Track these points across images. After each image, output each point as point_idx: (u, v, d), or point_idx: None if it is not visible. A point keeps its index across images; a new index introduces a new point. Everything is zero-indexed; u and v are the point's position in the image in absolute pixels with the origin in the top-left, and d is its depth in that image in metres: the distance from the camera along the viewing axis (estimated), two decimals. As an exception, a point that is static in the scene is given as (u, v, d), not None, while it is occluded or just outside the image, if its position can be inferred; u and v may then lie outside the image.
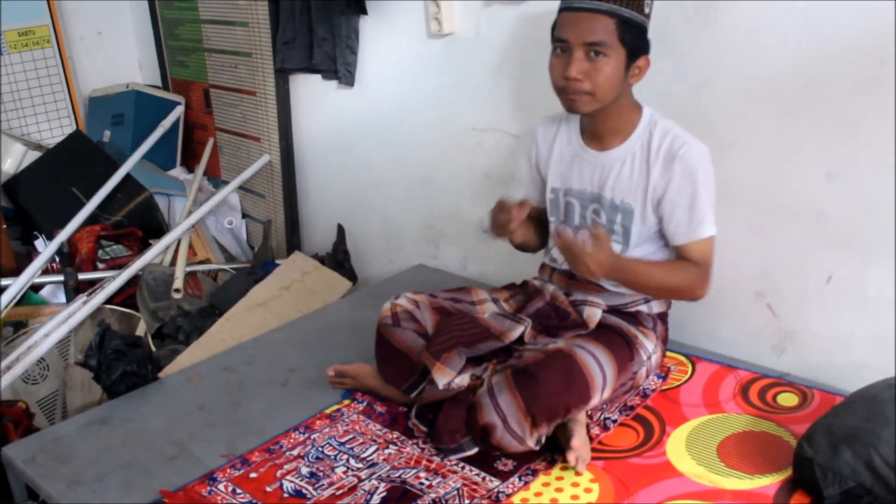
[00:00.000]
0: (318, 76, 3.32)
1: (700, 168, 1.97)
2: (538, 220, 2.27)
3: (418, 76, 3.00)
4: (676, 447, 1.97)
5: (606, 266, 1.89)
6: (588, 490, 1.85)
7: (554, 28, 1.97)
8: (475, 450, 1.95)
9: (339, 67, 3.17)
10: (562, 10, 1.95)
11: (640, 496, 1.81)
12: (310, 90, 3.44)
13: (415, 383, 2.08)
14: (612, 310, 2.13)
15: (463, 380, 2.01)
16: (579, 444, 1.90)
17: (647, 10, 1.93)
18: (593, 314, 2.10)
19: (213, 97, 3.93)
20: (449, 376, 1.98)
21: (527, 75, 2.61)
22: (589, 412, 2.02)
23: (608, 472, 1.90)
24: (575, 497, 1.83)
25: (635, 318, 2.13)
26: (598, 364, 1.94)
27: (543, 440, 1.92)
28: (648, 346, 2.10)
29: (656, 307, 2.16)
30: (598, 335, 2.03)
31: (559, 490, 1.85)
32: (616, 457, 1.95)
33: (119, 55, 4.26)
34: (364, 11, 3.01)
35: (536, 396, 1.86)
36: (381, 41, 3.08)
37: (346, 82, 3.20)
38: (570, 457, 1.88)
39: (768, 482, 1.82)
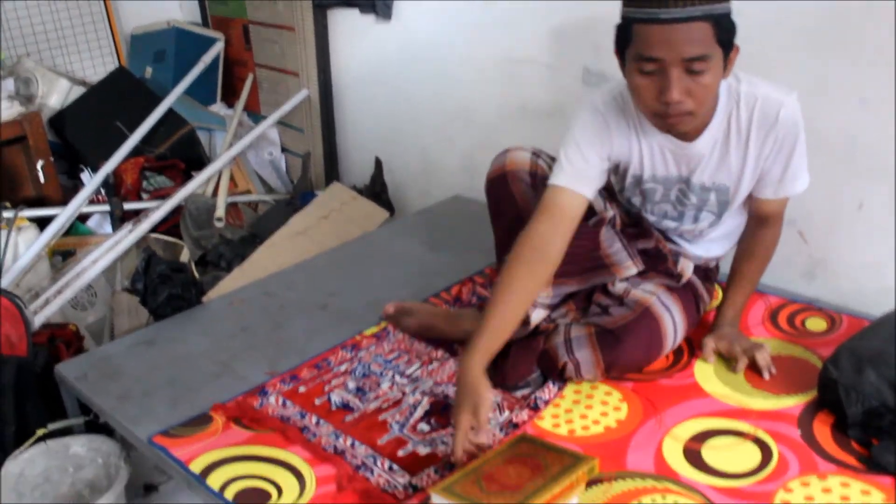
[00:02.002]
0: (356, 10, 3.34)
1: (797, 123, 1.81)
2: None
3: (453, 8, 3.01)
4: (704, 369, 2.01)
5: (725, 338, 2.02)
6: (617, 409, 1.90)
7: (626, 39, 1.66)
8: (541, 385, 1.99)
9: (377, 1, 3.19)
10: (641, 20, 1.60)
11: (667, 414, 1.87)
12: (347, 25, 3.46)
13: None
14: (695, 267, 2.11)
15: (539, 315, 2.00)
16: None
17: None
18: (687, 267, 2.07)
19: (252, 33, 3.96)
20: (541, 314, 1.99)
21: (562, 5, 2.62)
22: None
23: (637, 393, 1.95)
24: (604, 414, 1.88)
25: (706, 275, 2.14)
26: (673, 325, 1.97)
27: None
28: (707, 299, 2.14)
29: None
30: (681, 294, 2.03)
31: (589, 407, 1.91)
32: (645, 379, 2.00)
33: (160, -8, 4.30)
34: (402, -57, 3.02)
35: (617, 358, 1.92)
36: (418, -27, 3.09)
37: (383, 16, 3.22)
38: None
39: (794, 403, 1.86)
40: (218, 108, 4.11)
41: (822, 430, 1.77)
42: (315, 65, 3.59)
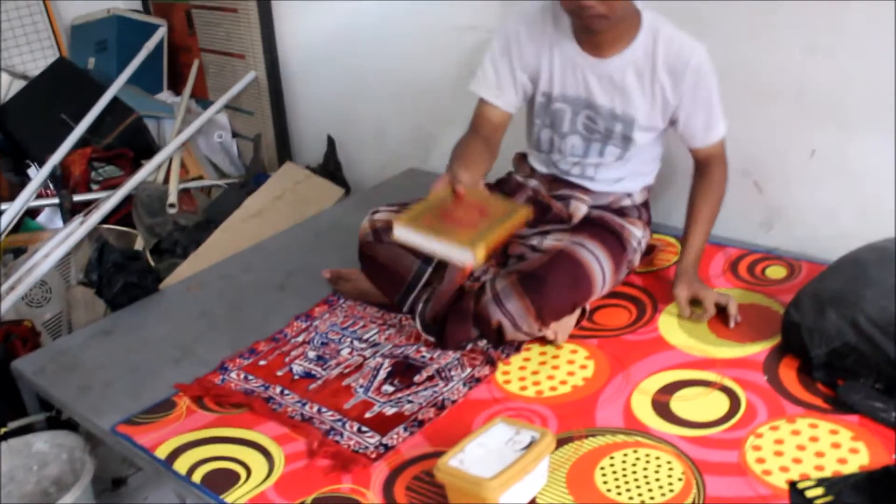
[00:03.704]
0: (299, -13, 3.30)
1: (710, 72, 1.96)
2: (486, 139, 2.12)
3: (398, -21, 2.98)
4: (668, 323, 2.02)
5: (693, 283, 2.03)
6: (583, 367, 1.90)
7: None
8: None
9: (319, -24, 3.15)
10: None
11: (634, 369, 1.87)
12: (292, 3, 3.41)
13: (404, 295, 2.07)
14: (596, 206, 2.15)
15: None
16: (556, 323, 1.96)
17: None
18: (578, 208, 2.12)
19: (195, 18, 3.90)
20: None
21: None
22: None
23: (602, 350, 1.95)
24: (571, 374, 1.88)
25: (620, 212, 2.16)
26: (597, 261, 1.98)
27: None
28: (637, 233, 2.13)
29: (639, 198, 2.19)
30: (591, 231, 2.04)
31: (555, 367, 1.91)
32: (610, 335, 2.00)
33: (98, -20, 4.21)
34: (340, -84, 2.99)
35: (546, 299, 1.90)
36: (359, -54, 3.05)
37: (327, -9, 3.18)
38: (549, 332, 1.95)
39: (758, 349, 1.87)
40: (165, 96, 4.04)
41: (788, 374, 1.78)
42: (261, 46, 3.54)
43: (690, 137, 2.04)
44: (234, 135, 3.89)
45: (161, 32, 4.00)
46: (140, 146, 3.50)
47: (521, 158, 2.30)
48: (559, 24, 2.01)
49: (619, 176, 2.13)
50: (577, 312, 2.01)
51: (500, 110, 2.11)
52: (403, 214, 1.74)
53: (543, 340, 1.98)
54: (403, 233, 1.71)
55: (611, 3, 1.81)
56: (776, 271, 2.17)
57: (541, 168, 2.23)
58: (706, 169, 2.07)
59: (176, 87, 4.11)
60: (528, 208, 1.84)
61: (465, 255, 1.64)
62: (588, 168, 2.13)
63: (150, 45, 3.91)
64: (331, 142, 3.36)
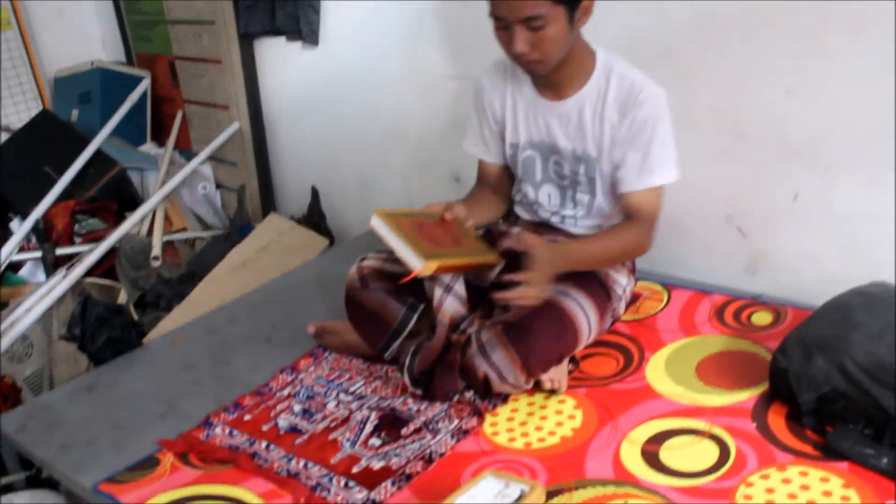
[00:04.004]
0: (283, 38, 3.32)
1: (658, 114, 1.94)
2: (494, 186, 2.25)
3: (381, 29, 3.00)
4: (656, 371, 2.01)
5: (549, 255, 1.92)
6: (571, 416, 1.88)
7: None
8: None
9: (303, 27, 3.17)
10: None
11: (622, 419, 1.85)
12: (275, 53, 3.43)
13: (388, 341, 2.06)
14: None
15: (451, 305, 1.98)
16: (554, 372, 1.95)
17: None
18: None
19: (178, 69, 3.91)
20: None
21: (487, 20, 2.61)
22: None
23: (590, 399, 1.94)
24: (559, 424, 1.86)
25: None
26: (582, 310, 1.97)
27: None
28: (621, 280, 2.13)
29: None
30: (575, 280, 2.02)
31: (543, 418, 1.89)
32: (598, 384, 1.99)
33: (81, 33, 4.21)
34: (323, -32, 3.01)
35: (531, 350, 1.88)
36: (342, -3, 3.08)
37: (310, 41, 3.20)
38: (547, 382, 1.93)
39: (746, 396, 1.86)
40: (148, 147, 4.05)
41: (777, 421, 1.77)
42: (245, 96, 3.56)
43: (622, 180, 2.00)
44: (218, 186, 3.89)
45: (144, 84, 4.01)
46: (124, 198, 3.50)
47: (509, 210, 2.30)
48: (517, 71, 2.06)
49: (598, 223, 2.13)
50: (568, 361, 2.00)
51: (493, 165, 2.22)
52: (387, 210, 1.92)
53: (531, 390, 1.97)
54: (378, 224, 1.89)
55: (544, 49, 1.85)
56: (762, 317, 2.17)
57: (525, 216, 2.23)
58: (628, 220, 2.02)
59: (160, 139, 4.12)
60: (497, 256, 1.97)
61: (417, 262, 1.82)
62: (567, 219, 2.15)
63: (133, 96, 3.92)
64: (315, 192, 3.37)
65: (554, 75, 1.98)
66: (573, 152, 2.05)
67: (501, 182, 2.24)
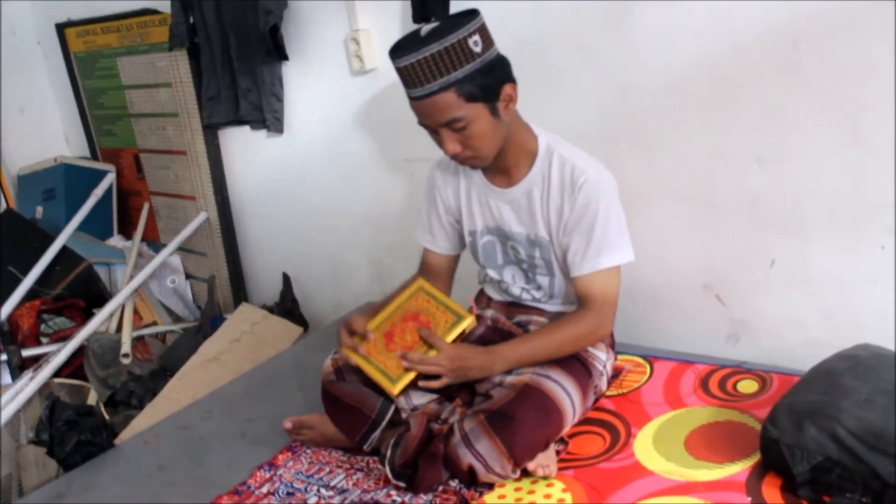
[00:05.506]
0: (247, 127, 3.31)
1: (600, 198, 1.92)
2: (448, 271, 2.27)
3: (346, 114, 3.00)
4: (644, 447, 1.96)
5: (486, 365, 1.93)
6: (561, 500, 1.83)
7: None
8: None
9: (267, 116, 3.16)
10: (408, 97, 1.87)
11: (612, 499, 1.80)
12: (240, 142, 3.42)
13: (368, 432, 2.02)
14: None
15: (422, 399, 1.99)
16: (543, 458, 1.90)
17: (477, 49, 1.79)
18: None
19: (143, 161, 3.89)
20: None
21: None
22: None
23: (579, 480, 1.89)
24: (548, 508, 1.81)
25: None
26: (564, 392, 1.93)
27: None
28: (601, 356, 2.10)
29: None
30: (554, 360, 1.99)
31: (532, 503, 1.84)
32: (585, 464, 1.94)
33: (44, 130, 4.20)
34: (285, 57, 3.02)
35: (516, 437, 1.84)
36: (305, 84, 3.08)
37: (274, 130, 3.19)
38: (538, 469, 1.87)
39: (739, 469, 1.82)
40: (116, 241, 3.99)
41: (772, 493, 1.73)
42: (211, 186, 3.54)
43: (570, 265, 1.98)
44: (188, 276, 3.84)
45: (109, 178, 3.97)
46: (91, 294, 3.44)
47: (480, 292, 2.28)
48: None
49: (570, 299, 2.10)
50: (556, 443, 1.95)
51: (436, 254, 2.24)
52: (357, 345, 1.98)
53: (522, 472, 1.91)
54: (350, 357, 1.98)
55: (474, 146, 1.87)
56: (748, 385, 2.14)
57: (495, 296, 2.21)
58: (580, 307, 1.99)
59: (126, 231, 4.06)
60: (473, 318, 1.96)
61: (389, 384, 1.91)
62: (537, 294, 2.13)
63: (98, 191, 3.88)
64: (286, 279, 3.33)
65: (497, 163, 1.98)
66: (527, 237, 2.05)
67: (443, 273, 2.25)
